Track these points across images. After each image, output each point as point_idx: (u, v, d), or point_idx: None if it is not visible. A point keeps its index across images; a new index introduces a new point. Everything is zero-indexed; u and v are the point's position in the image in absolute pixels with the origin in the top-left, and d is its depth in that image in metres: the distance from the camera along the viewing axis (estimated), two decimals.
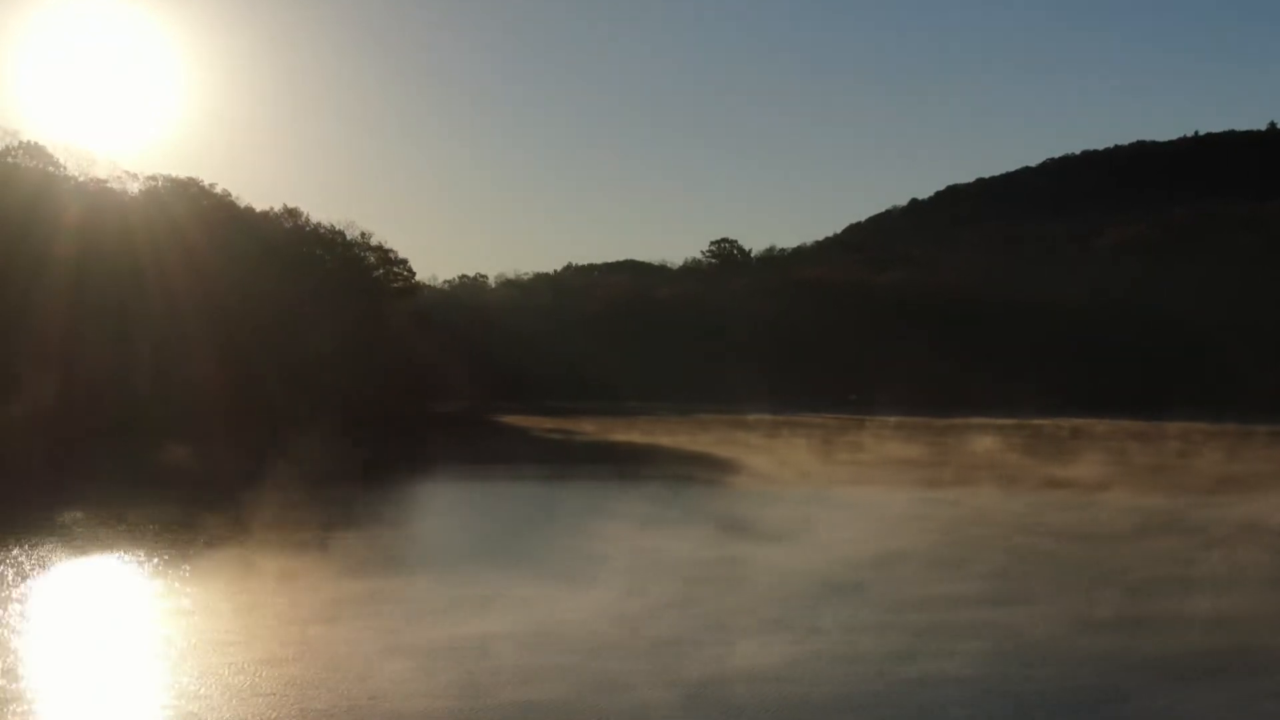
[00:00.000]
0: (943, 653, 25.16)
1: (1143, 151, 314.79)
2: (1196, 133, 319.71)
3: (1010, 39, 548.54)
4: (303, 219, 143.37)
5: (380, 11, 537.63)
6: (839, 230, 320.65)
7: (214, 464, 69.97)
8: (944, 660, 24.58)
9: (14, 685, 22.15)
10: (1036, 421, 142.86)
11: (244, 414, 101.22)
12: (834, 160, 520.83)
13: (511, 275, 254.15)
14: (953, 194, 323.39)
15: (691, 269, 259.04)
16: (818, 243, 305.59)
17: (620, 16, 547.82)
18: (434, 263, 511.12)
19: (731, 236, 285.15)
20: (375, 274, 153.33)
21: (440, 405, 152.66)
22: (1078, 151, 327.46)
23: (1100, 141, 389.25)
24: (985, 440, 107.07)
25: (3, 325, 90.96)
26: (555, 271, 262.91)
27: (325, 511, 55.71)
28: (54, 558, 36.67)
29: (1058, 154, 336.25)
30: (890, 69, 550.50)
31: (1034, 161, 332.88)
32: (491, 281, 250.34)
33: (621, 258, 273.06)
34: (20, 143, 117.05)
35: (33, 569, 34.48)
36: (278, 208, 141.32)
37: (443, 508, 55.83)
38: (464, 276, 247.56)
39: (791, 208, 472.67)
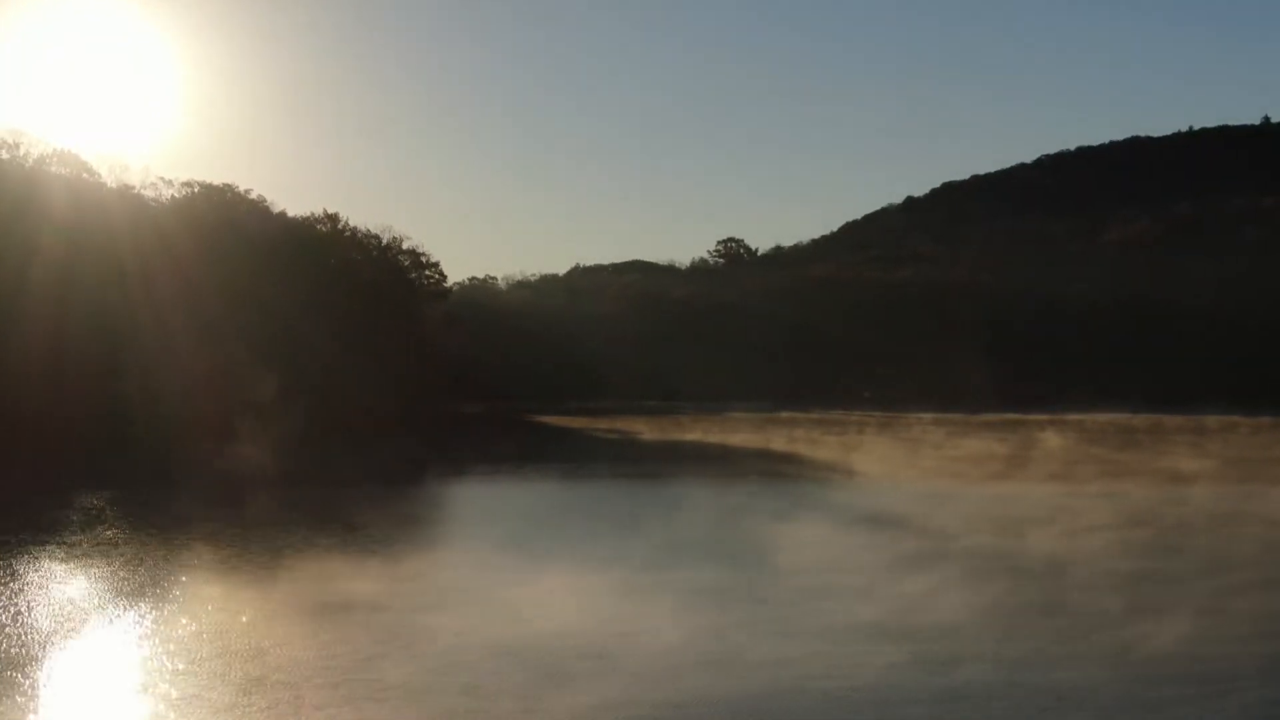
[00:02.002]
0: None
1: (1138, 147, 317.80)
2: (1191, 128, 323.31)
3: (1004, 36, 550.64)
4: (341, 224, 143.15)
5: (382, 14, 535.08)
6: (835, 229, 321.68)
7: (348, 463, 69.90)
8: None
9: None
10: (1072, 417, 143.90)
11: (304, 419, 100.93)
12: (829, 158, 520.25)
13: (519, 276, 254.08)
14: (949, 191, 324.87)
15: (700, 268, 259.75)
16: (815, 241, 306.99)
17: (620, 19, 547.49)
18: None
19: (728, 235, 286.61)
20: (410, 277, 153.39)
21: (466, 406, 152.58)
22: (1073, 148, 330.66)
23: (1096, 138, 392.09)
24: (1050, 436, 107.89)
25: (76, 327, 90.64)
26: (563, 273, 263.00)
27: (516, 506, 56.02)
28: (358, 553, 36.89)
29: (1053, 150, 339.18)
30: (884, 67, 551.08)
31: (1029, 158, 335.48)
32: (501, 283, 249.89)
33: (626, 258, 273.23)
34: (54, 150, 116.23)
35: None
36: (317, 212, 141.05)
37: (610, 510, 55.44)
38: (474, 278, 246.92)
39: (787, 206, 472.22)
